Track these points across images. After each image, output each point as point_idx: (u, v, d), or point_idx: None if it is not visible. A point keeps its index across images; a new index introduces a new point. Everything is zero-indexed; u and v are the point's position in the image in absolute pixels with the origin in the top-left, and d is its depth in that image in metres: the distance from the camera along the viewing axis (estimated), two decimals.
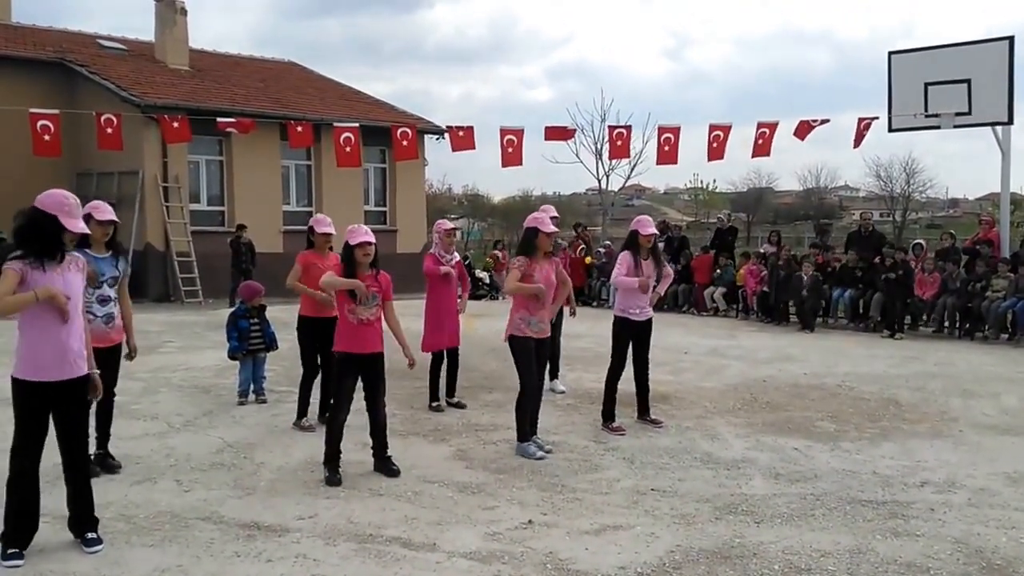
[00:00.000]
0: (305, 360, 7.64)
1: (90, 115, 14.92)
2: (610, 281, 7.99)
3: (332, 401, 6.39)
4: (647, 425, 7.73)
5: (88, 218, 5.73)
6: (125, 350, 6.19)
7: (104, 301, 5.90)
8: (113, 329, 5.98)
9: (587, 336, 12.02)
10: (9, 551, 4.64)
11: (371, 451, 6.38)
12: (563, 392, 9.08)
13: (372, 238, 6.15)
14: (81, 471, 4.93)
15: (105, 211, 5.96)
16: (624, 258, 7.65)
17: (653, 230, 7.72)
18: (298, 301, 7.73)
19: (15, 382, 4.67)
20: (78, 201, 4.77)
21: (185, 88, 21.81)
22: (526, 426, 6.86)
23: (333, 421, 6.23)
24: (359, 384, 6.29)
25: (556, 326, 9.13)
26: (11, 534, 4.70)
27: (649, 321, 7.72)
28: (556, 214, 8.83)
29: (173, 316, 16.28)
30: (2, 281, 4.51)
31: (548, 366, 9.11)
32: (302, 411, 7.66)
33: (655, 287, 7.89)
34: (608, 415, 7.69)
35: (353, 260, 6.12)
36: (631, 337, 7.62)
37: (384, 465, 6.30)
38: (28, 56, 21.20)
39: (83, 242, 5.59)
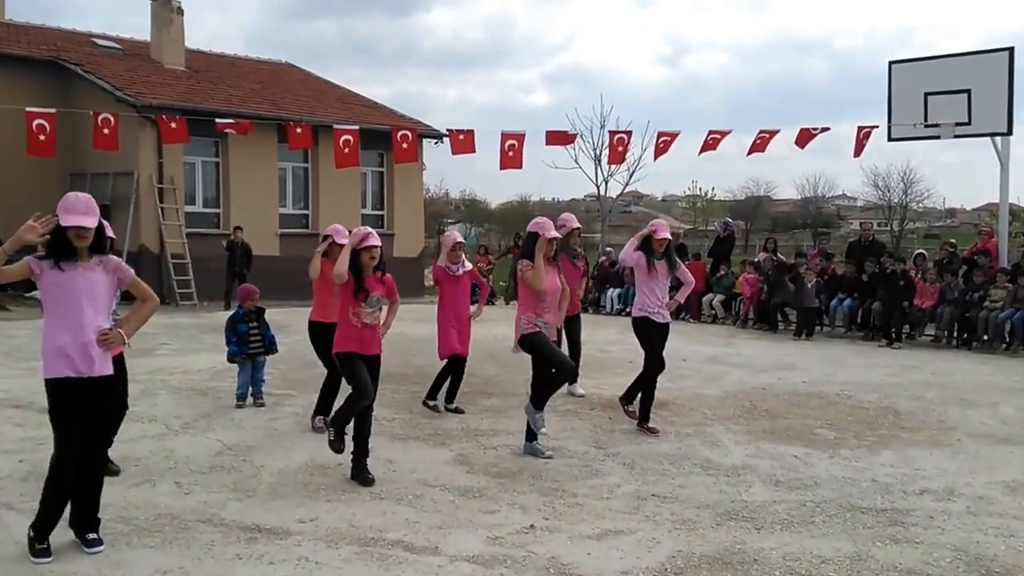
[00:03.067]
0: (326, 363, 7.52)
1: (84, 115, 14.88)
2: (620, 257, 8.13)
3: (352, 388, 6.26)
4: (643, 433, 7.72)
5: None
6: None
7: None
8: None
9: (587, 343, 11.98)
10: (39, 547, 4.70)
11: (350, 454, 6.28)
12: (583, 395, 9.14)
13: (378, 241, 6.17)
14: (96, 472, 4.93)
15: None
16: (634, 245, 7.75)
17: (667, 234, 7.76)
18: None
19: (45, 383, 4.72)
20: (84, 198, 4.72)
21: (181, 88, 21.77)
22: (546, 400, 6.93)
23: (352, 406, 6.14)
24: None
25: (576, 331, 9.16)
26: (40, 532, 4.75)
27: (667, 326, 7.75)
28: (578, 224, 8.93)
29: (168, 318, 16.24)
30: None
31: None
32: (320, 409, 7.64)
33: (673, 295, 8.01)
34: (628, 398, 7.85)
35: (358, 263, 6.11)
36: (656, 336, 7.66)
37: (360, 473, 6.20)
38: (21, 54, 21.10)
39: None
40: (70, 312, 4.66)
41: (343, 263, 6.07)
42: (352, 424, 6.28)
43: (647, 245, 7.72)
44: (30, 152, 13.22)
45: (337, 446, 6.19)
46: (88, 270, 4.70)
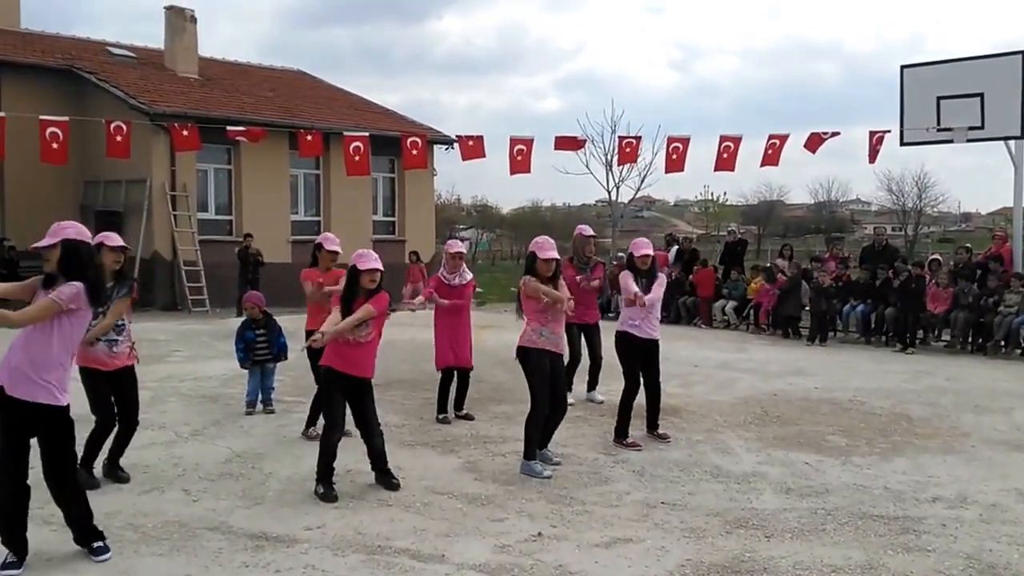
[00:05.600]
0: (318, 377, 7.54)
1: (98, 123, 14.95)
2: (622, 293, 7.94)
3: (324, 420, 6.25)
4: (654, 439, 7.68)
5: (100, 246, 5.77)
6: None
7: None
8: (117, 355, 6.02)
9: None
10: (8, 560, 4.64)
11: (370, 467, 6.32)
12: (601, 402, 9.09)
13: (380, 266, 6.05)
14: (63, 493, 4.80)
15: (115, 238, 6.01)
16: (625, 275, 7.66)
17: (648, 251, 7.69)
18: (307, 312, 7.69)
19: None
20: (56, 225, 4.75)
21: (194, 96, 21.90)
22: (535, 444, 6.72)
23: (327, 441, 6.07)
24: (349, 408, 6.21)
25: (596, 340, 9.10)
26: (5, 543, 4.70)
27: (655, 343, 7.62)
28: (592, 232, 8.91)
29: (180, 325, 16.32)
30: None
31: (588, 377, 9.19)
32: (311, 421, 7.63)
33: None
34: (622, 432, 7.58)
35: (357, 283, 6.05)
36: (636, 355, 7.53)
37: (385, 479, 6.24)
38: (36, 63, 21.24)
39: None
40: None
41: (349, 324, 5.96)
42: (363, 443, 6.27)
43: (631, 265, 7.66)
44: (43, 160, 13.25)
45: (328, 497, 5.93)
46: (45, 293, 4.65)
